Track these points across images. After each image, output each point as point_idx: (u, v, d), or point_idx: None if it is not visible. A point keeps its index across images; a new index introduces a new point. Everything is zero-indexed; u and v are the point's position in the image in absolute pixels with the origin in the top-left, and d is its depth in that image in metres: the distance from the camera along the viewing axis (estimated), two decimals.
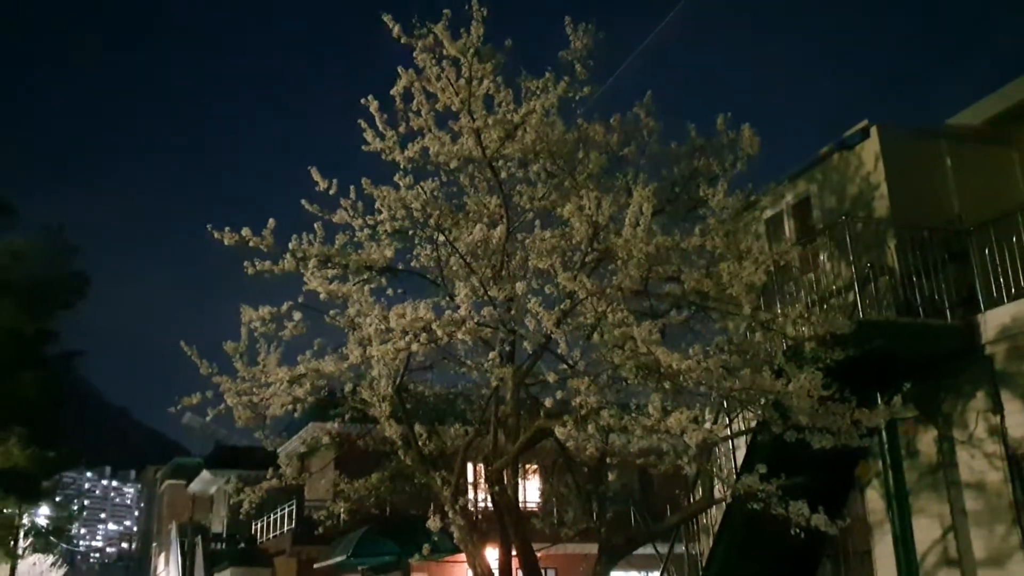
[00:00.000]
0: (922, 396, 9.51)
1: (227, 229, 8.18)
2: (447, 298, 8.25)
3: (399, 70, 8.05)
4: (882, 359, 8.83)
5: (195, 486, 43.96)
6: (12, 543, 35.77)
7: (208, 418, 8.91)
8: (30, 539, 38.09)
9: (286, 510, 28.24)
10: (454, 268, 8.78)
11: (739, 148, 9.04)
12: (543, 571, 9.38)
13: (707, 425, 8.40)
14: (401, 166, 8.63)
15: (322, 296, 8.24)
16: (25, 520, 36.94)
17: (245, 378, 8.62)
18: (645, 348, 6.78)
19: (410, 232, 9.11)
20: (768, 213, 11.81)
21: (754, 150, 8.90)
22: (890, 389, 9.03)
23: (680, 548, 13.51)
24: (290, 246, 8.36)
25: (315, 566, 25.58)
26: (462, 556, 9.79)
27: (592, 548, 9.98)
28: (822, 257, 10.27)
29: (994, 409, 9.06)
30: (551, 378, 7.82)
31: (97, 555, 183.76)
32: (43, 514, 39.64)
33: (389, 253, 8.62)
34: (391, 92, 8.24)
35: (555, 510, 14.38)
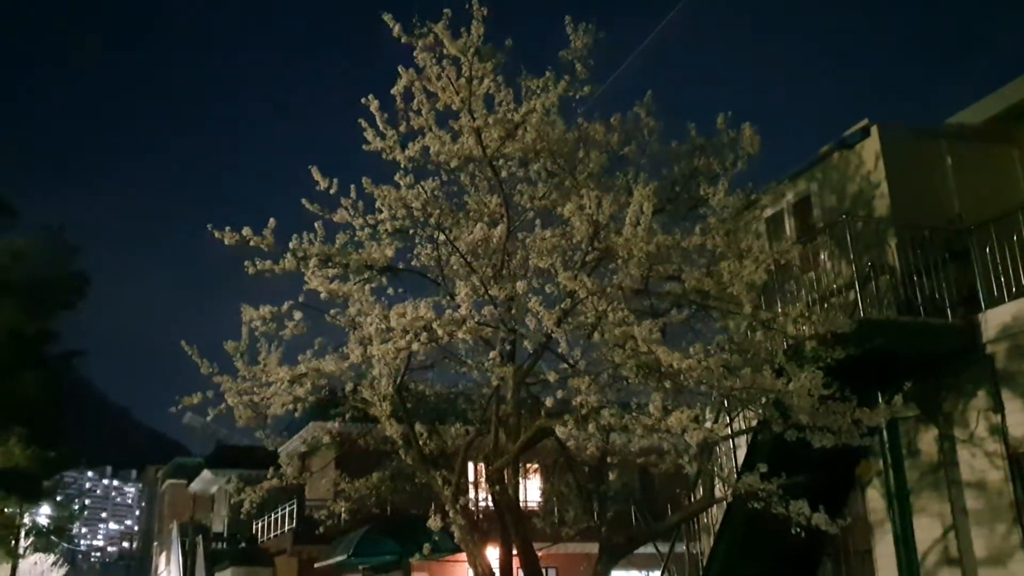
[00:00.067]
0: (923, 395, 9.51)
1: (228, 229, 8.19)
2: (448, 297, 8.25)
3: (399, 69, 8.05)
4: (883, 358, 8.83)
5: (196, 486, 43.98)
6: (13, 542, 35.80)
7: (209, 418, 8.93)
8: (31, 538, 38.15)
9: (287, 510, 28.26)
10: (455, 267, 8.79)
11: (739, 147, 9.04)
12: (544, 570, 9.38)
13: (708, 424, 8.40)
14: (402, 165, 8.63)
15: (323, 295, 8.24)
16: (26, 519, 36.99)
17: (246, 378, 8.63)
18: (646, 347, 6.77)
19: (411, 231, 9.11)
20: (769, 212, 11.80)
21: (754, 149, 8.90)
22: (891, 388, 9.03)
23: (681, 547, 13.53)
24: (291, 245, 8.36)
25: (316, 565, 25.58)
26: (463, 556, 9.79)
27: (593, 547, 9.98)
28: (823, 256, 10.26)
29: (995, 408, 9.06)
30: (552, 377, 7.82)
31: (98, 554, 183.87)
32: (44, 513, 39.67)
33: (390, 252, 8.63)
34: (392, 91, 8.24)
35: (556, 509, 14.38)
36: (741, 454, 10.91)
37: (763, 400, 7.79)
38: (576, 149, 8.75)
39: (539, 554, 9.03)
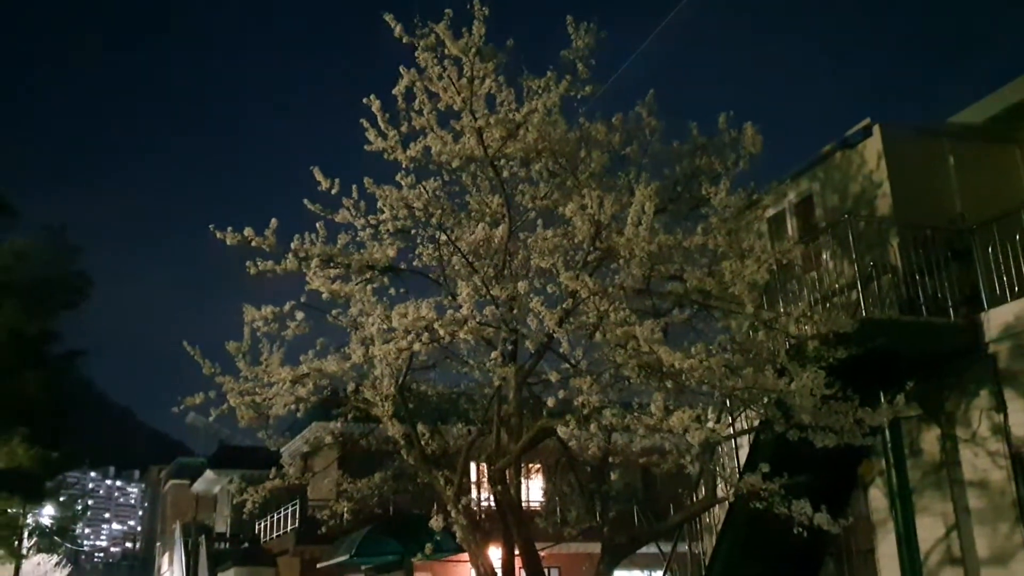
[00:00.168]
0: (925, 394, 9.50)
1: (229, 229, 8.19)
2: (449, 297, 8.25)
3: (401, 69, 8.05)
4: (885, 358, 8.82)
5: (199, 486, 44.01)
6: (16, 543, 35.80)
7: (211, 418, 8.92)
8: (34, 539, 38.13)
9: (289, 510, 28.26)
10: (456, 267, 8.79)
11: (741, 147, 9.03)
12: (546, 570, 9.37)
13: (710, 424, 8.37)
14: (403, 165, 8.63)
15: (324, 296, 8.25)
16: (29, 520, 36.97)
17: (248, 378, 8.63)
18: (647, 347, 6.77)
19: (412, 231, 9.12)
20: (771, 212, 11.79)
21: (756, 149, 8.89)
22: (893, 388, 9.01)
23: (683, 547, 13.52)
24: (292, 246, 8.36)
25: (318, 566, 25.57)
26: (465, 556, 9.79)
27: (595, 547, 9.98)
28: (825, 256, 10.25)
29: (997, 407, 9.05)
30: (553, 377, 7.82)
31: (101, 555, 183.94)
32: (47, 514, 39.64)
33: (391, 252, 8.63)
34: (393, 91, 8.24)
35: (558, 509, 14.37)
36: (743, 454, 10.90)
37: (765, 400, 7.78)
38: (578, 149, 8.75)
39: (541, 554, 9.03)
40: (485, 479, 10.35)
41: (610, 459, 11.02)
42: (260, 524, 32.57)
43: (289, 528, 28.42)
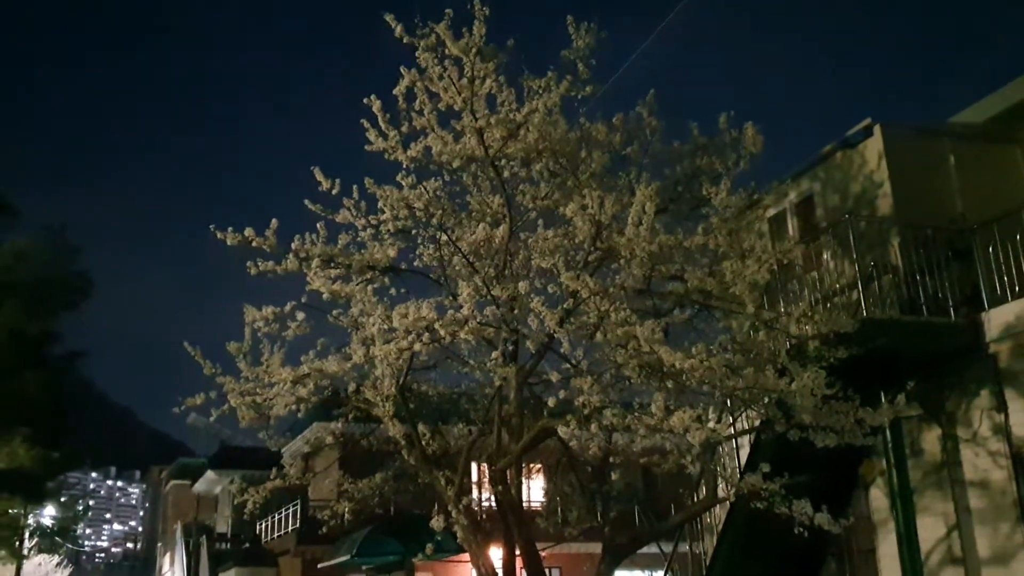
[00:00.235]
0: (926, 394, 9.50)
1: (230, 229, 8.19)
2: (450, 297, 8.25)
3: (401, 70, 8.06)
4: (886, 357, 8.82)
5: (199, 486, 44.00)
6: (17, 543, 35.81)
7: (212, 418, 8.92)
8: (35, 539, 38.13)
9: (290, 510, 28.25)
10: (457, 267, 8.79)
11: (742, 147, 9.03)
12: (547, 570, 9.37)
13: (710, 424, 8.39)
14: (404, 165, 8.63)
15: (325, 296, 8.25)
16: (30, 520, 36.98)
17: (249, 378, 8.63)
18: (648, 347, 6.77)
19: (413, 232, 9.12)
20: (771, 212, 11.79)
21: (757, 149, 8.89)
22: (894, 387, 9.01)
23: (684, 547, 13.52)
24: (293, 246, 8.36)
25: (319, 566, 25.57)
26: (466, 556, 9.78)
27: (596, 547, 9.98)
28: (825, 255, 10.25)
29: (998, 407, 9.05)
30: (554, 377, 7.83)
31: (102, 555, 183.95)
32: (48, 514, 39.66)
33: (392, 253, 8.63)
34: (394, 92, 8.25)
35: (559, 509, 14.36)
36: (744, 454, 10.90)
37: (766, 400, 7.79)
38: (578, 149, 8.75)
39: (542, 554, 9.03)
40: (486, 479, 10.35)
41: (611, 459, 11.04)
42: (261, 524, 32.58)
43: (290, 528, 28.42)
